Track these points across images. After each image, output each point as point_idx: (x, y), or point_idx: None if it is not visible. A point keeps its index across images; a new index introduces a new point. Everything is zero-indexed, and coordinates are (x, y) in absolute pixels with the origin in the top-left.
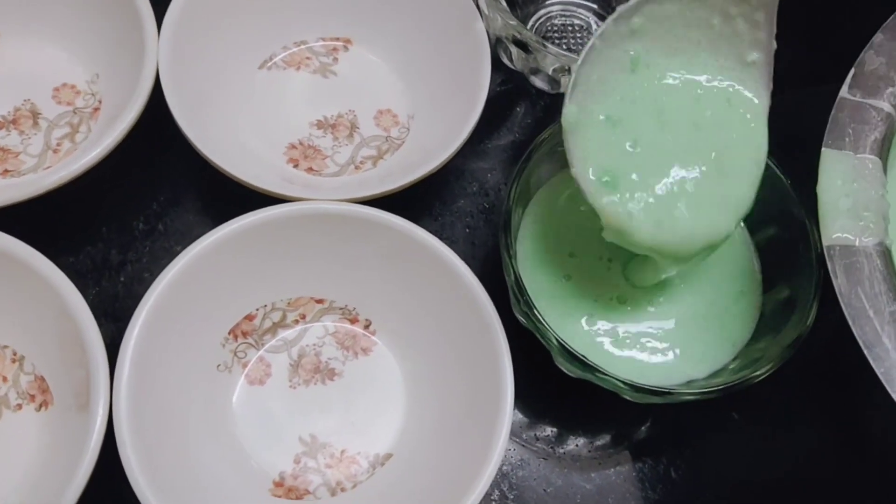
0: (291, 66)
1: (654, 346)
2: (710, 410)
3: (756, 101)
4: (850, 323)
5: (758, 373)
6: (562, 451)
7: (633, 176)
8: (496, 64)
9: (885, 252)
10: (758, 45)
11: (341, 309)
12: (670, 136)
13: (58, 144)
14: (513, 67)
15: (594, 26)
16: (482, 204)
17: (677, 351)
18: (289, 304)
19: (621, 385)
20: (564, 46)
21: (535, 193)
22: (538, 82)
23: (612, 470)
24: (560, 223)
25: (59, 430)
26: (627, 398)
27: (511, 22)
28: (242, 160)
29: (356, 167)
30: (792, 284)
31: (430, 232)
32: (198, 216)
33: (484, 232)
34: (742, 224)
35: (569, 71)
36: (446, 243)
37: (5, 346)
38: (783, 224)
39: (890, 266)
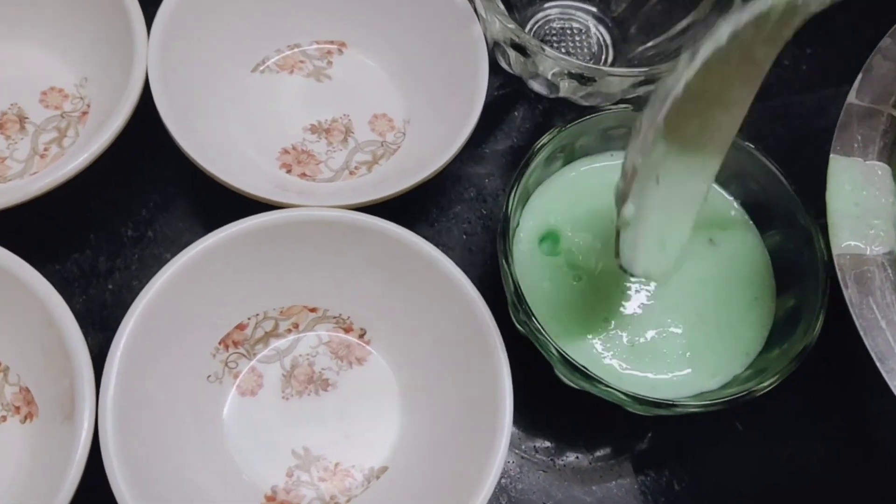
0: (285, 70)
1: (663, 356)
2: (713, 421)
3: None
4: (862, 334)
5: (762, 385)
6: (562, 462)
7: None
8: (494, 68)
9: (895, 261)
10: None
11: (335, 318)
12: None
13: (45, 149)
14: (511, 71)
15: (593, 29)
16: (480, 210)
17: (688, 362)
18: (281, 312)
19: (624, 398)
20: (563, 50)
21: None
22: (536, 86)
23: (614, 482)
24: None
25: (45, 442)
26: (630, 410)
27: (509, 25)
28: (234, 166)
29: (351, 173)
30: (798, 293)
31: (427, 239)
32: (188, 223)
33: (482, 238)
34: (753, 226)
35: (568, 75)
36: (443, 250)
37: None
38: (788, 231)
39: None
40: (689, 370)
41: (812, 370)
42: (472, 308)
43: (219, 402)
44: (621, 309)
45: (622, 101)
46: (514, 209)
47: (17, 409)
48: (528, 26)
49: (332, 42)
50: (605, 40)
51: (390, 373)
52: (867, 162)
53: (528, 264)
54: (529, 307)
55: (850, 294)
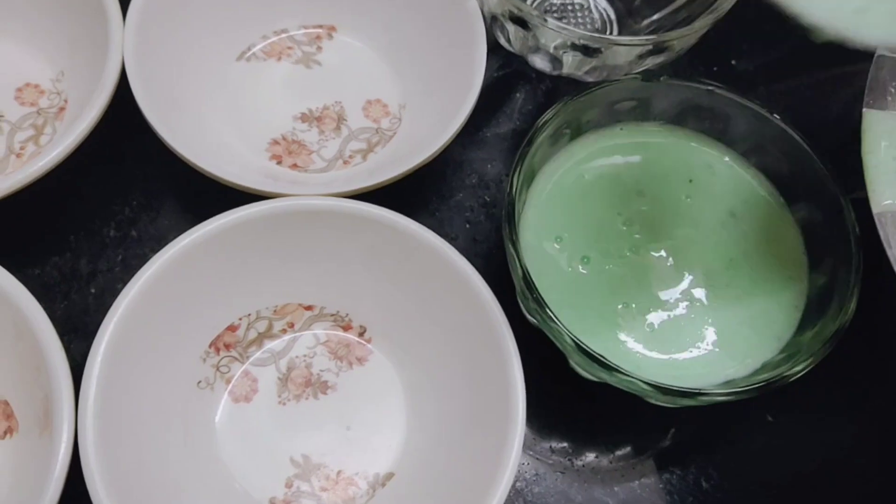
0: (272, 57)
1: (688, 343)
2: (741, 412)
3: None
4: None
5: (796, 369)
6: (580, 463)
7: None
8: (493, 47)
9: None
10: None
11: (333, 315)
12: None
13: (21, 148)
14: (511, 49)
15: (594, 4)
16: (483, 197)
17: (715, 348)
18: (275, 311)
19: (647, 388)
20: None
21: (539, 179)
22: (538, 63)
23: (637, 482)
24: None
25: (25, 457)
26: (653, 402)
27: None
28: (221, 158)
29: (345, 162)
30: (829, 270)
31: (428, 228)
32: (174, 220)
33: (486, 227)
34: (780, 198)
35: (571, 47)
36: (445, 240)
37: None
38: (814, 203)
39: None
40: (717, 357)
41: (844, 352)
42: (479, 299)
43: (211, 409)
44: (640, 292)
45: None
46: (519, 190)
47: None
48: (527, 2)
49: (320, 26)
50: (608, 15)
51: (393, 372)
52: None
53: (536, 249)
54: (540, 294)
55: (893, 254)
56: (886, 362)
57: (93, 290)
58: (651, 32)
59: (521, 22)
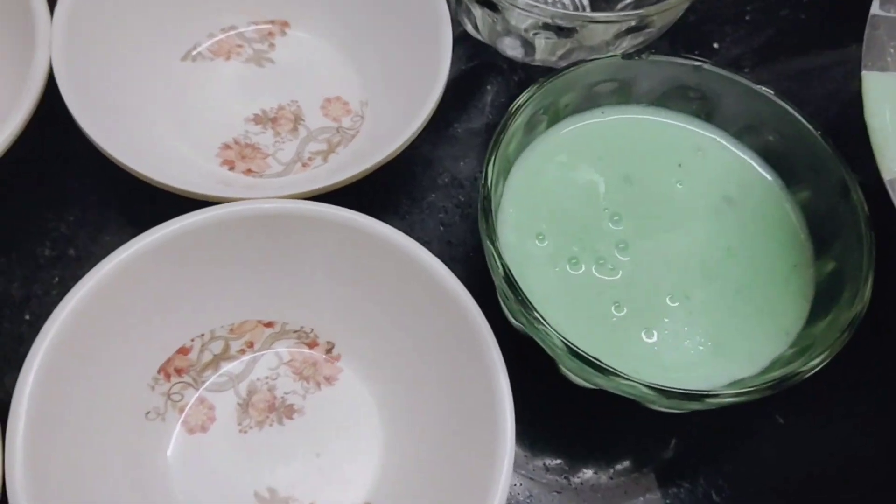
0: (220, 56)
1: (688, 342)
2: (748, 416)
3: None
4: None
5: (811, 364)
6: (577, 480)
7: None
8: (459, 37)
9: None
10: None
11: (296, 332)
12: None
13: None
14: (479, 37)
15: None
16: (457, 197)
17: (718, 346)
18: (231, 330)
19: (648, 391)
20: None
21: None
22: (509, 49)
23: (641, 498)
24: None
25: None
26: (655, 408)
27: None
28: (166, 164)
29: (304, 164)
30: (838, 255)
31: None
32: (116, 236)
33: (461, 228)
34: (778, 180)
35: (544, 27)
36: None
37: None
38: (817, 184)
39: None
40: (721, 356)
41: (857, 344)
42: (458, 305)
43: (162, 442)
44: (632, 290)
45: None
46: (495, 182)
47: None
48: None
49: (272, 22)
50: (581, 2)
51: (366, 392)
52: None
53: (516, 248)
54: (524, 294)
55: None
56: None
57: (27, 318)
58: None
59: (488, 4)
